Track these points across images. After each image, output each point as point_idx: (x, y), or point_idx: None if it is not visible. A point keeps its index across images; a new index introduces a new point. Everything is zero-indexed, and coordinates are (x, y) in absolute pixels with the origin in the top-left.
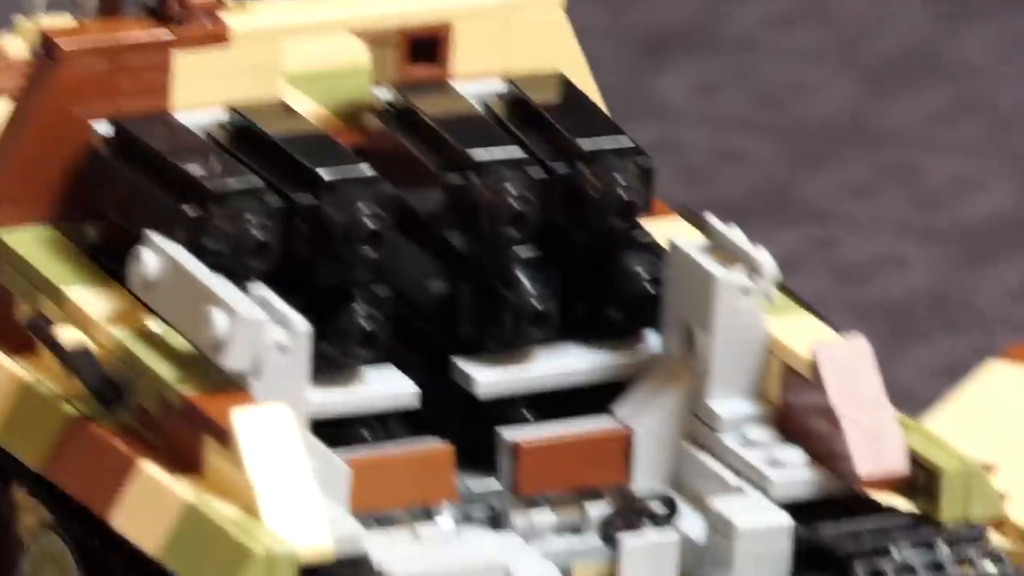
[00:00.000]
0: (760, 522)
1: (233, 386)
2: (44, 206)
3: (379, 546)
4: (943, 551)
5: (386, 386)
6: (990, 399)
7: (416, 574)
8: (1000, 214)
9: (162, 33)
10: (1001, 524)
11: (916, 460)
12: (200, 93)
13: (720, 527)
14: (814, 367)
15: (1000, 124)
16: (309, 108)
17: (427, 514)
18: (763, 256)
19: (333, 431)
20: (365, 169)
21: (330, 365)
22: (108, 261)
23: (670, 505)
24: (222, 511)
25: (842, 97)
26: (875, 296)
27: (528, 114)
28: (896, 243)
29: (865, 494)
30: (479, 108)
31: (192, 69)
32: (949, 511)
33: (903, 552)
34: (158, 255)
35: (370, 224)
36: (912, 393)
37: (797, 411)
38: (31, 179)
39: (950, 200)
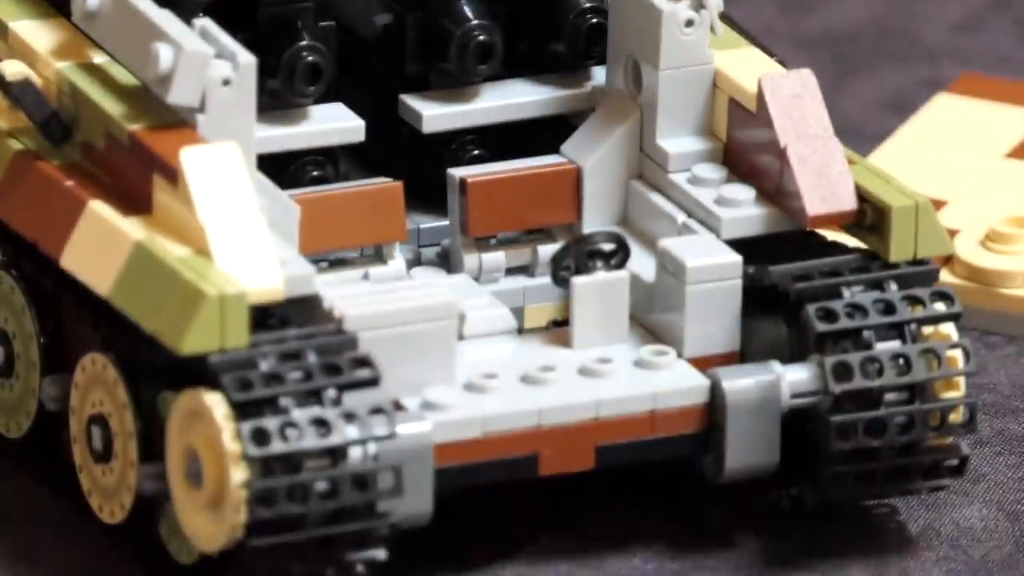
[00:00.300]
0: (710, 260)
1: (180, 122)
2: None
3: (330, 287)
4: (893, 291)
5: (333, 120)
6: (939, 133)
7: (367, 315)
8: None
9: None
10: (949, 260)
11: (864, 197)
12: None
13: (670, 266)
14: (760, 99)
15: None
16: None
17: (379, 256)
18: None
19: (282, 170)
20: None
21: (277, 101)
22: None
23: (621, 245)
24: (173, 251)
25: None
26: (819, 27)
27: None
28: None
29: (814, 231)
30: None
31: None
32: (898, 249)
33: (854, 293)
34: None
35: None
36: (858, 126)
37: (744, 147)
38: None
39: None
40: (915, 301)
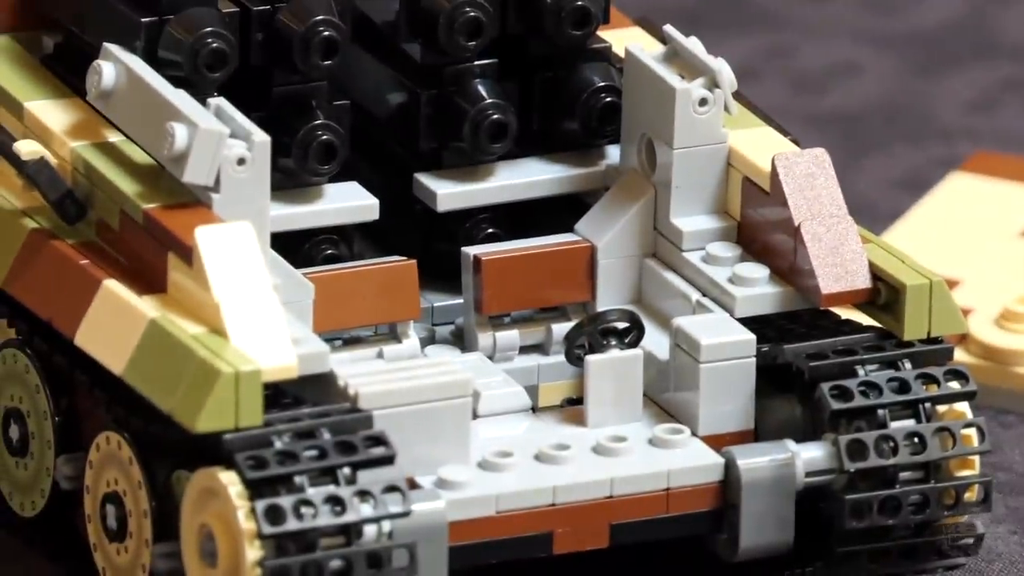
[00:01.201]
0: (724, 339)
1: (194, 201)
2: (1, 16)
3: (345, 365)
4: (907, 370)
5: (347, 199)
6: (952, 212)
7: (382, 393)
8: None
9: None
10: (964, 339)
11: (878, 275)
12: None
13: (685, 344)
14: (774, 178)
15: None
16: None
17: (393, 334)
18: (722, 67)
19: (297, 248)
20: None
21: (291, 179)
22: (66, 72)
23: (635, 323)
24: (187, 329)
25: None
26: (833, 106)
27: None
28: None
29: (828, 310)
30: None
31: None
32: (912, 328)
33: (868, 371)
34: (115, 66)
35: (326, 32)
36: (872, 205)
37: (758, 225)
38: None
39: (906, 5)
40: (930, 380)
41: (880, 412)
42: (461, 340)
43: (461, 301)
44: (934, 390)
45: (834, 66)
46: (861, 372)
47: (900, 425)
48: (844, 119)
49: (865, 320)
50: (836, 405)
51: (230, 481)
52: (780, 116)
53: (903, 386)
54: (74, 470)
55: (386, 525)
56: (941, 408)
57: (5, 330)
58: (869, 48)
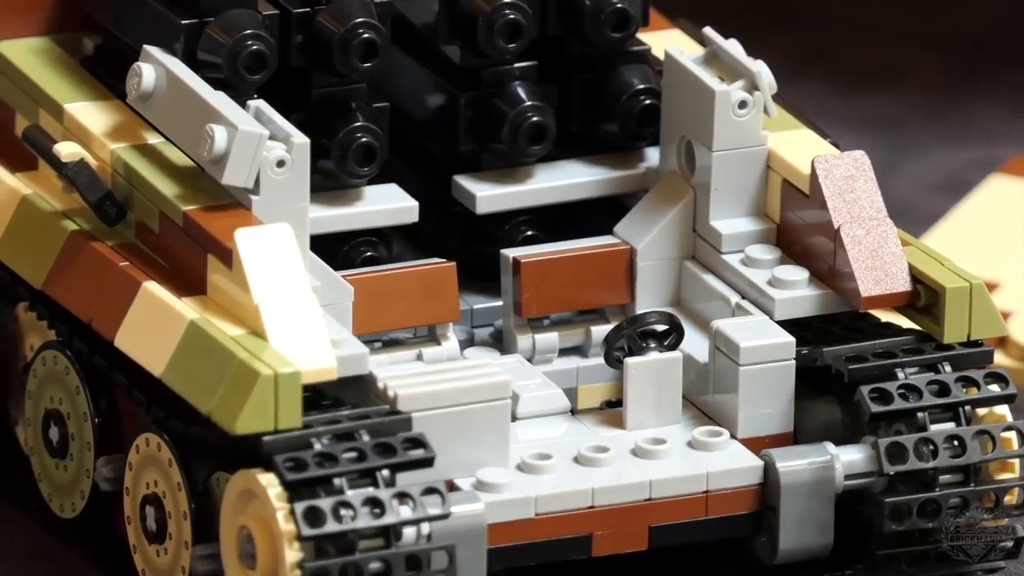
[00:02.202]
0: (764, 341)
1: (234, 203)
2: (42, 17)
3: (384, 367)
4: (947, 373)
5: (386, 201)
6: (992, 215)
7: (421, 395)
8: (996, 24)
9: None
10: (1003, 341)
11: (918, 278)
12: None
13: (724, 347)
14: (813, 181)
15: None
16: None
17: (432, 336)
18: (761, 69)
19: (336, 250)
20: None
21: (330, 181)
22: (106, 74)
23: (674, 326)
24: (227, 331)
25: None
26: (871, 108)
27: None
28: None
29: (867, 312)
30: None
31: None
32: (952, 330)
33: (908, 374)
34: (155, 68)
35: (365, 34)
36: (911, 208)
37: (798, 228)
38: None
39: (948, 7)
40: (969, 382)
41: (920, 415)
42: (500, 342)
43: (500, 303)
44: (974, 393)
45: (874, 68)
46: (901, 375)
47: (940, 428)
48: (884, 121)
49: (905, 323)
50: (876, 408)
51: (269, 483)
52: (819, 118)
53: (943, 389)
54: (114, 472)
55: (425, 527)
56: (981, 411)
57: (45, 332)
58: (910, 50)
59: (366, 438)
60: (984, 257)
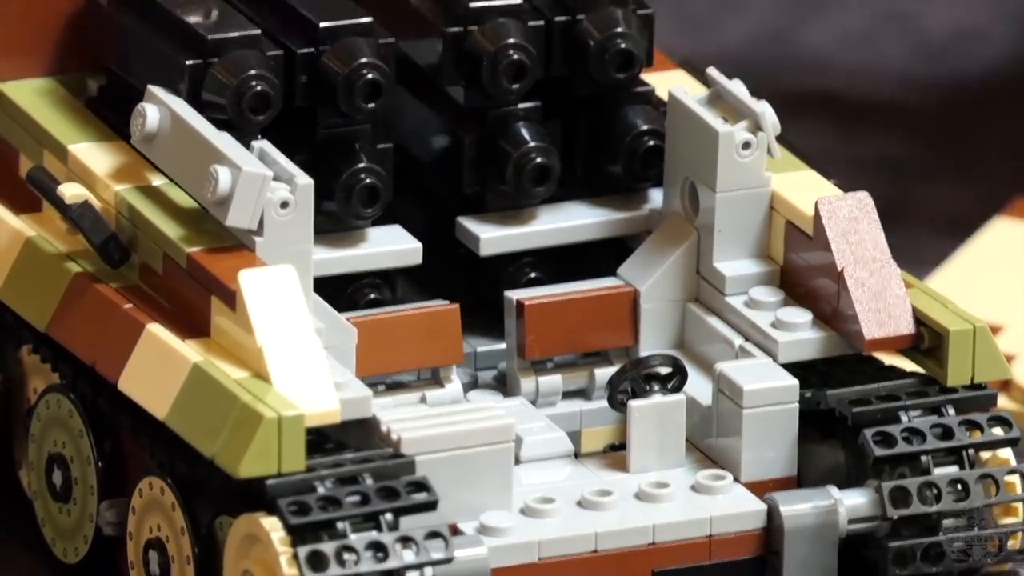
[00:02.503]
0: (767, 384)
1: (238, 244)
2: (46, 58)
3: (387, 410)
4: (951, 416)
5: (390, 243)
6: (996, 257)
7: (425, 438)
8: (999, 67)
9: None
10: (1007, 385)
11: (921, 321)
12: None
13: (727, 390)
14: (817, 222)
15: None
16: None
17: (436, 379)
18: (764, 109)
19: (340, 292)
20: (364, 18)
21: (334, 223)
22: (110, 114)
23: (678, 369)
24: (230, 374)
25: None
26: (876, 150)
27: None
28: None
29: (871, 355)
30: None
31: None
32: (955, 374)
33: (911, 417)
34: (159, 109)
35: (370, 75)
36: (915, 250)
37: (801, 270)
38: (32, 31)
39: (951, 51)
40: (973, 426)
41: (923, 458)
42: (504, 385)
43: (504, 346)
44: (977, 436)
45: (877, 109)
46: (904, 418)
47: (943, 472)
48: (887, 163)
49: (908, 366)
50: (879, 451)
51: (272, 527)
52: (823, 159)
53: (946, 432)
54: (117, 516)
55: (428, 571)
56: (985, 454)
57: (49, 375)
58: (912, 92)
59: (369, 482)
60: (988, 300)
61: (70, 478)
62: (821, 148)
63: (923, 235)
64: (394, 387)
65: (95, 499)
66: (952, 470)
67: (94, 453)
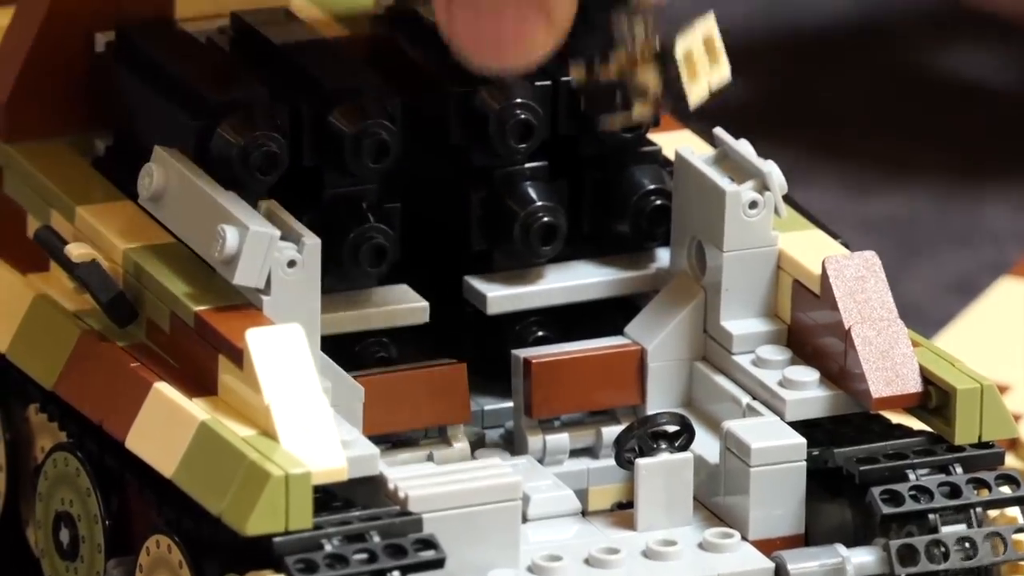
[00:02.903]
0: (775, 443)
1: (245, 303)
2: (54, 119)
3: (394, 468)
4: (958, 474)
5: (397, 302)
6: (1003, 316)
7: (432, 496)
8: (1002, 125)
9: None
10: (1014, 443)
11: (929, 379)
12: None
13: (735, 448)
14: (824, 281)
15: None
16: (313, 15)
17: (443, 437)
18: (771, 169)
19: (347, 351)
20: (372, 79)
21: (341, 282)
22: (117, 174)
23: (685, 427)
24: (238, 432)
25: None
26: (883, 209)
27: None
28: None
29: (878, 413)
30: None
31: None
32: (963, 432)
33: (919, 476)
34: (166, 169)
35: (377, 135)
36: (922, 309)
37: (809, 328)
38: (40, 93)
39: (954, 106)
40: (981, 484)
41: (931, 517)
42: (511, 443)
43: (511, 404)
44: (985, 495)
45: (884, 167)
46: (912, 476)
47: (951, 530)
48: (894, 221)
49: (916, 424)
50: (887, 509)
51: None
52: (830, 218)
53: (954, 491)
54: (124, 574)
55: None
56: (992, 513)
57: (56, 433)
58: (918, 148)
59: (377, 539)
60: (995, 359)
61: (77, 536)
62: (827, 207)
63: (930, 294)
64: (401, 445)
65: (102, 557)
66: (960, 528)
67: (101, 511)
